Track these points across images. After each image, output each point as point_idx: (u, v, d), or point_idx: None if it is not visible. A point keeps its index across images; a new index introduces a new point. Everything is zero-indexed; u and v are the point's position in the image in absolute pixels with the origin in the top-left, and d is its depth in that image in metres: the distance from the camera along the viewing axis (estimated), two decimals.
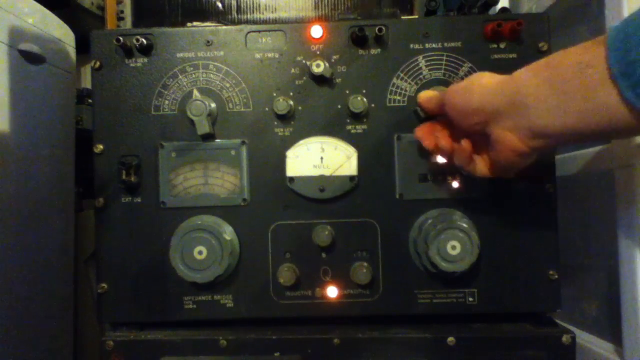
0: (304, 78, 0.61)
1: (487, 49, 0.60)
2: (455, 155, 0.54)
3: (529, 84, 0.45)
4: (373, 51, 0.61)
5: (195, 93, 0.60)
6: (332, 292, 0.60)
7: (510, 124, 0.47)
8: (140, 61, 0.61)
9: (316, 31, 0.60)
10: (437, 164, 0.60)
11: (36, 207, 0.82)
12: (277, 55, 0.61)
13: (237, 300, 0.61)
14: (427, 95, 0.58)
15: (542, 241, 0.59)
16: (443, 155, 0.56)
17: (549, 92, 0.43)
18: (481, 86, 0.49)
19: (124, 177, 0.59)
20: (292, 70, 0.61)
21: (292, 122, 0.61)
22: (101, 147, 0.61)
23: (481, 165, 0.53)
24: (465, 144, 0.52)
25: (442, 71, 0.60)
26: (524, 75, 0.46)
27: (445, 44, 0.60)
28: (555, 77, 0.43)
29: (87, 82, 1.21)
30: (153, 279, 0.61)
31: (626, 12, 0.56)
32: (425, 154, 0.60)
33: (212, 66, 0.61)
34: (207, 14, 0.99)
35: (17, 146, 0.78)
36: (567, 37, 0.75)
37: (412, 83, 0.60)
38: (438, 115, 0.56)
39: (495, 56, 0.60)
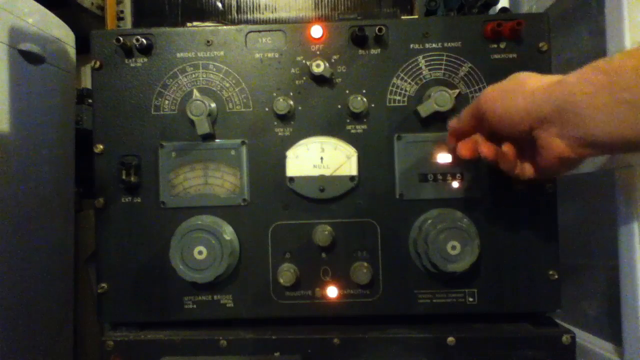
0: (304, 78, 0.61)
1: (487, 48, 0.60)
2: (500, 161, 0.51)
3: (582, 91, 0.41)
4: (373, 51, 0.61)
5: (195, 93, 0.60)
6: (332, 292, 0.60)
7: (559, 131, 0.44)
8: (140, 61, 0.61)
9: (316, 31, 0.60)
10: (437, 164, 0.60)
11: (36, 207, 0.82)
12: (277, 55, 0.61)
13: (237, 300, 0.61)
14: (455, 118, 0.55)
15: (542, 241, 0.59)
16: (487, 161, 0.53)
17: (606, 100, 0.40)
18: (526, 90, 0.46)
19: (124, 177, 0.59)
20: (292, 70, 0.61)
21: (292, 122, 0.61)
22: (101, 147, 0.61)
23: (527, 169, 0.51)
24: (507, 148, 0.50)
25: (442, 71, 0.60)
26: (577, 80, 0.42)
27: (445, 44, 0.60)
28: (614, 84, 0.39)
29: (87, 82, 1.21)
30: (153, 279, 0.61)
31: (626, 12, 0.56)
32: (425, 154, 0.60)
33: (212, 66, 0.61)
34: (207, 14, 0.99)
35: (17, 146, 0.78)
36: (567, 37, 0.75)
37: (412, 83, 0.60)
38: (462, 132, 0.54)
39: (495, 56, 0.60)
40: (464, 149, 0.54)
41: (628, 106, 0.39)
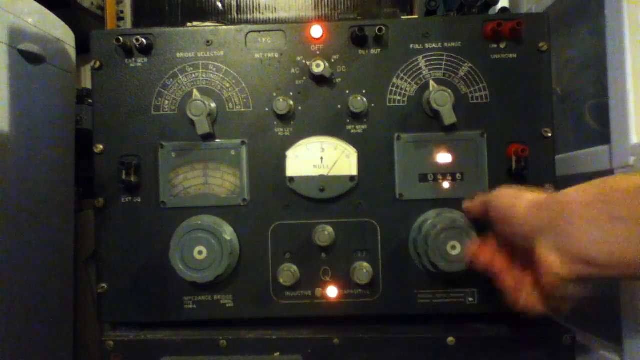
0: (304, 78, 0.61)
1: (487, 48, 0.60)
2: (508, 290, 0.51)
3: (576, 203, 0.42)
4: (373, 51, 0.61)
5: (195, 93, 0.60)
6: (332, 292, 0.60)
7: (553, 244, 0.43)
8: (140, 61, 0.61)
9: (316, 31, 0.60)
10: (437, 164, 0.60)
11: (36, 207, 0.82)
12: (277, 55, 0.61)
13: (237, 300, 0.61)
14: (471, 201, 0.57)
15: None
16: (494, 276, 0.52)
17: (597, 214, 0.40)
18: (528, 199, 0.47)
19: (124, 177, 0.59)
20: (292, 70, 0.61)
21: (292, 122, 0.61)
22: (101, 147, 0.61)
23: (532, 299, 0.48)
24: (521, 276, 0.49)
25: (442, 71, 0.60)
26: (573, 193, 0.43)
27: (445, 44, 0.60)
28: (607, 199, 0.39)
29: (87, 82, 1.21)
30: (153, 279, 0.61)
31: (626, 12, 0.56)
32: (426, 154, 0.60)
33: (212, 66, 0.61)
34: (207, 14, 1.00)
35: (17, 146, 0.78)
36: (567, 37, 0.75)
37: (412, 83, 0.60)
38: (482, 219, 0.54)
39: (495, 56, 0.60)
40: (480, 257, 0.53)
41: (621, 223, 0.38)
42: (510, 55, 0.60)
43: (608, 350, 0.63)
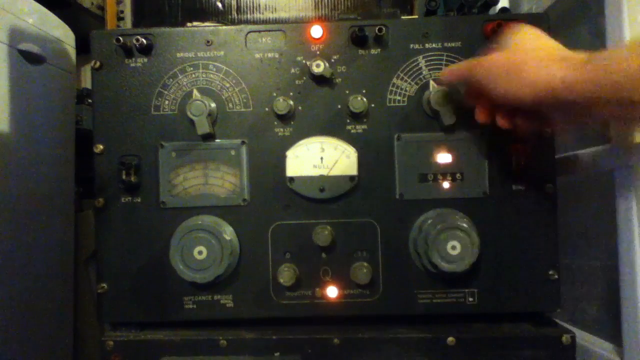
0: (304, 78, 0.61)
1: (488, 48, 0.60)
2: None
3: (573, 90, 0.44)
4: (373, 51, 0.61)
5: (195, 93, 0.60)
6: (332, 292, 0.60)
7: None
8: (140, 61, 0.61)
9: (316, 31, 0.60)
10: (437, 164, 0.60)
11: (36, 207, 0.82)
12: (277, 55, 0.61)
13: (237, 300, 0.61)
14: (447, 70, 0.57)
15: (542, 241, 0.59)
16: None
17: (588, 97, 0.43)
18: (528, 79, 0.46)
19: (124, 177, 0.59)
20: (292, 70, 0.61)
21: (292, 122, 0.61)
22: (101, 147, 0.61)
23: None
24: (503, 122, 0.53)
25: None
26: (578, 81, 0.44)
27: (445, 44, 0.60)
28: (600, 87, 0.42)
29: (87, 82, 1.21)
30: (153, 279, 0.61)
31: (626, 12, 0.56)
32: (426, 153, 0.60)
33: (212, 66, 0.61)
34: (207, 14, 1.00)
35: (17, 146, 0.78)
36: (567, 37, 0.75)
37: (412, 83, 0.60)
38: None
39: None
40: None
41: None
42: None
43: (608, 350, 0.63)
